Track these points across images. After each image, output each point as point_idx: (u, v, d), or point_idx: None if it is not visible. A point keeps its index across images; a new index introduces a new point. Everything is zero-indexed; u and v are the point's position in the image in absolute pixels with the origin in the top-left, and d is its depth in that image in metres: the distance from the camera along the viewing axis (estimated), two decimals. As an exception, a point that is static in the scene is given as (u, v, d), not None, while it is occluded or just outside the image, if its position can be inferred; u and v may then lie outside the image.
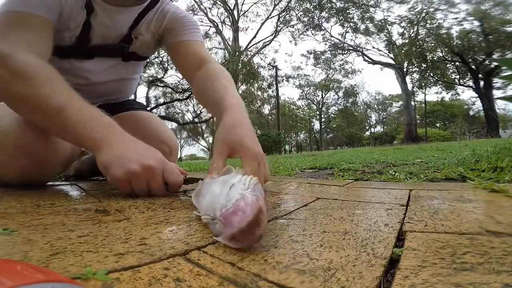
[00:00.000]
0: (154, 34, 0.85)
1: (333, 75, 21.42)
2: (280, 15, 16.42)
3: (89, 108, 0.57)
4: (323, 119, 24.80)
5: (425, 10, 14.09)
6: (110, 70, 0.87)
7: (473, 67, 14.25)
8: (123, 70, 0.90)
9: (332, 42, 17.79)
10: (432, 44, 14.93)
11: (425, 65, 15.73)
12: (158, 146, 0.91)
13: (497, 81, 13.21)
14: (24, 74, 0.54)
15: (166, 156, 0.97)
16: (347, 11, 15.42)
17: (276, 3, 15.93)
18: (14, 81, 0.54)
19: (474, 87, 14.72)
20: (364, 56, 17.58)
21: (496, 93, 13.69)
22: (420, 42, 14.98)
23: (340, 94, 23.62)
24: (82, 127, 0.54)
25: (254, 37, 16.68)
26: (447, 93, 19.13)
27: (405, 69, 15.98)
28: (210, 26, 16.30)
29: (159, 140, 0.93)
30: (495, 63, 13.05)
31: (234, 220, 0.26)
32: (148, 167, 0.52)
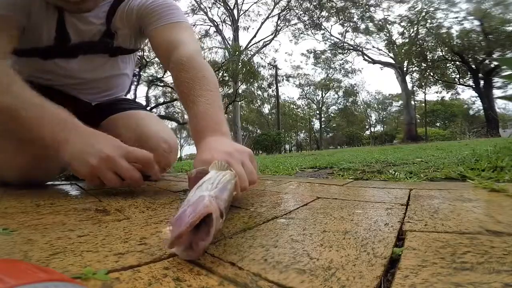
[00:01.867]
0: (130, 27, 0.81)
1: (333, 74, 21.42)
2: (280, 14, 16.40)
3: (43, 103, 0.56)
4: (323, 119, 24.79)
5: (425, 10, 14.08)
6: (99, 68, 0.85)
7: (473, 66, 14.25)
8: (113, 66, 0.88)
9: (332, 42, 17.78)
10: (432, 44, 14.93)
11: (425, 65, 15.72)
12: (158, 145, 0.91)
13: (497, 81, 13.21)
14: None
15: (166, 155, 0.98)
16: (347, 10, 15.40)
17: (276, 2, 15.91)
18: None
19: (474, 86, 14.71)
20: (364, 56, 17.57)
21: (496, 93, 13.69)
22: (420, 41, 14.97)
23: (340, 93, 23.61)
24: (39, 124, 0.54)
25: (254, 36, 16.68)
26: (447, 93, 19.12)
27: (405, 69, 15.97)
28: (210, 26, 16.29)
29: (159, 139, 0.92)
30: (495, 63, 13.04)
31: (173, 231, 0.23)
32: (106, 157, 0.51)
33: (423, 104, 19.77)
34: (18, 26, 0.66)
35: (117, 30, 0.80)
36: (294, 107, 25.53)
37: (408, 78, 16.13)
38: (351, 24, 15.97)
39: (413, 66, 16.24)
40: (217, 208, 0.25)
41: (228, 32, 16.81)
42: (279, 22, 16.63)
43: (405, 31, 15.52)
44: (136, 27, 0.81)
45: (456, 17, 13.57)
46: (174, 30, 0.74)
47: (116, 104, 0.98)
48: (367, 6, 15.13)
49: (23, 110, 0.54)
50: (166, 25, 0.75)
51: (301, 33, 16.69)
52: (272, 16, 16.65)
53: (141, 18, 0.78)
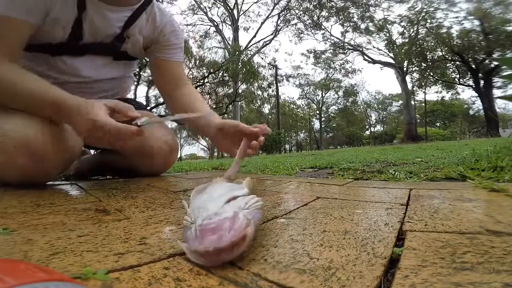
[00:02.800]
0: (145, 40, 0.88)
1: (333, 74, 21.42)
2: (280, 14, 16.40)
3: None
4: (323, 119, 24.80)
5: (425, 10, 14.08)
6: (103, 68, 0.88)
7: (473, 66, 14.25)
8: (115, 69, 0.91)
9: (332, 42, 17.78)
10: (432, 44, 14.93)
11: (425, 65, 15.73)
12: (159, 146, 0.93)
13: (497, 81, 13.21)
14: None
15: (167, 154, 1.00)
16: (347, 10, 15.40)
17: (276, 2, 15.91)
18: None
19: (474, 86, 14.72)
20: (364, 56, 17.57)
21: (496, 92, 13.70)
22: (420, 41, 14.97)
23: (340, 93, 23.63)
24: (46, 90, 0.63)
25: (254, 36, 16.67)
26: (447, 93, 19.13)
27: (405, 69, 15.97)
28: (210, 26, 16.29)
29: (159, 140, 0.94)
30: (495, 63, 13.04)
31: (208, 238, 0.23)
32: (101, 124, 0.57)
33: (423, 104, 19.78)
34: (31, 29, 0.68)
35: (130, 36, 0.84)
36: (294, 107, 25.54)
37: (408, 78, 16.14)
38: (351, 24, 15.98)
39: (413, 66, 16.25)
40: (252, 232, 0.25)
41: (228, 32, 16.82)
42: (279, 22, 16.64)
43: (405, 31, 15.53)
44: (147, 43, 0.89)
45: (456, 17, 13.58)
46: (181, 69, 0.97)
47: None
48: (367, 6, 15.13)
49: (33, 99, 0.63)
50: (177, 62, 0.94)
51: (301, 33, 16.69)
52: (272, 16, 16.65)
53: (158, 40, 0.90)
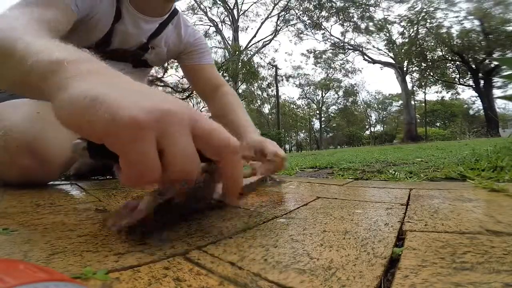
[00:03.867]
0: (170, 51, 0.90)
1: (333, 74, 21.42)
2: (280, 15, 16.40)
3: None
4: (323, 118, 24.80)
5: (425, 10, 14.08)
6: None
7: (473, 66, 14.25)
8: (129, 76, 0.91)
9: (332, 42, 17.78)
10: (432, 43, 14.93)
11: (425, 64, 15.73)
12: None
13: (497, 80, 13.21)
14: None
15: None
16: (347, 10, 15.39)
17: (276, 2, 15.91)
18: None
19: (474, 86, 14.72)
20: (364, 55, 17.57)
21: (496, 92, 13.70)
22: (420, 41, 14.97)
23: (340, 93, 23.63)
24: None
25: (254, 36, 16.68)
26: (447, 92, 19.14)
27: (405, 68, 15.97)
28: (210, 26, 16.30)
29: None
30: (495, 62, 13.04)
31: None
32: (167, 113, 0.24)
33: (423, 104, 19.79)
34: (70, 22, 0.62)
35: (155, 47, 0.86)
36: (294, 107, 25.55)
37: (408, 78, 16.15)
38: (351, 24, 15.98)
39: (413, 66, 16.25)
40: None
41: (227, 32, 16.81)
42: (278, 22, 16.63)
43: (405, 31, 15.53)
44: (175, 53, 0.93)
45: (456, 17, 13.58)
46: (215, 71, 0.98)
47: None
48: (366, 6, 15.13)
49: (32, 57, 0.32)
50: (208, 64, 0.96)
51: (301, 33, 16.68)
52: (271, 16, 16.65)
53: (186, 49, 0.93)
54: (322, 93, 23.58)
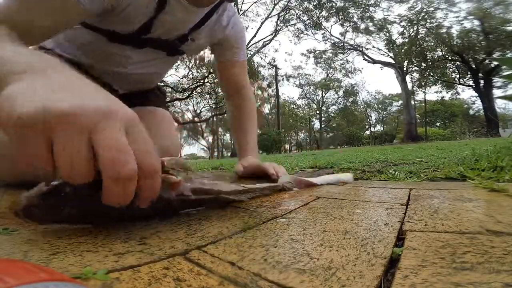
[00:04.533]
0: (206, 41, 0.88)
1: (333, 74, 21.41)
2: (280, 14, 16.40)
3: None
4: (323, 118, 24.81)
5: (424, 9, 14.08)
6: (151, 62, 0.86)
7: (473, 66, 14.25)
8: (162, 64, 0.91)
9: (332, 42, 17.78)
10: (432, 43, 14.94)
11: (425, 64, 15.74)
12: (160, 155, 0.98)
13: (497, 80, 13.22)
14: None
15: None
16: (347, 10, 15.40)
17: (276, 2, 15.91)
18: None
19: (474, 86, 14.73)
20: (364, 55, 17.57)
21: (496, 92, 13.70)
22: (420, 41, 14.98)
23: (340, 93, 23.64)
24: None
25: (254, 36, 16.66)
26: (447, 92, 19.15)
27: (405, 68, 15.97)
28: (210, 25, 16.26)
29: (162, 150, 0.97)
30: (495, 62, 13.04)
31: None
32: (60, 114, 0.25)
33: (423, 104, 19.79)
34: (82, 16, 0.60)
35: (194, 39, 0.83)
36: (294, 107, 25.55)
37: (408, 78, 16.15)
38: (351, 24, 15.98)
39: (413, 66, 16.26)
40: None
41: (228, 32, 16.76)
42: (278, 22, 16.63)
43: (405, 31, 15.53)
44: (212, 43, 0.91)
45: (456, 17, 13.58)
46: (242, 69, 0.97)
47: (138, 94, 1.01)
48: (366, 6, 15.13)
49: None
50: (239, 61, 0.95)
51: (301, 33, 16.68)
52: (271, 16, 16.64)
53: (224, 41, 0.90)
54: (322, 93, 23.59)
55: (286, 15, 16.47)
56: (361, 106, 25.95)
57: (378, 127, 27.33)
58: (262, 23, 16.65)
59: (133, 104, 0.93)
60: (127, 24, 0.70)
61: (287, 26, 16.83)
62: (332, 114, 26.01)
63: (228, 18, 0.86)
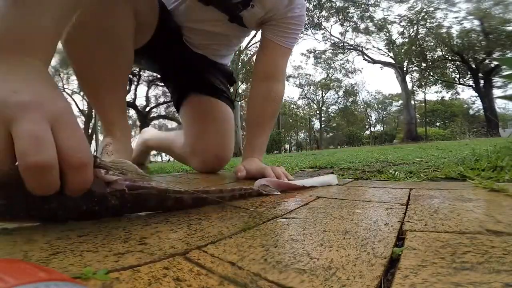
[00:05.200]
0: (267, 14, 0.87)
1: (333, 74, 21.41)
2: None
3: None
4: (323, 118, 24.81)
5: (424, 9, 14.07)
6: (214, 22, 0.90)
7: (473, 66, 14.25)
8: (224, 28, 0.92)
9: (332, 42, 17.78)
10: (432, 43, 14.93)
11: (425, 64, 15.74)
12: (219, 159, 1.07)
13: (497, 80, 13.21)
14: None
15: (211, 167, 1.11)
16: (347, 10, 15.39)
17: (276, 2, 15.89)
18: None
19: (474, 86, 14.73)
20: (364, 55, 17.57)
21: (496, 92, 13.70)
22: (420, 41, 14.97)
23: (340, 93, 23.63)
24: None
25: (254, 36, 16.64)
26: (447, 92, 19.14)
27: (405, 68, 15.97)
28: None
29: (223, 155, 1.06)
30: (495, 62, 13.04)
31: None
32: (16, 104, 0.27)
33: (423, 104, 19.80)
34: None
35: (255, 5, 0.84)
36: (294, 107, 25.54)
37: (408, 77, 16.15)
38: (351, 24, 15.97)
39: (413, 65, 16.26)
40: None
41: (228, 32, 16.75)
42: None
43: (405, 31, 15.53)
44: (268, 19, 0.88)
45: (456, 17, 13.59)
46: (283, 57, 0.90)
47: (212, 76, 1.06)
48: (366, 6, 15.13)
49: None
50: (282, 47, 0.89)
51: (301, 33, 16.68)
52: (272, 16, 16.59)
53: (279, 20, 0.87)
54: (322, 93, 23.58)
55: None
56: (361, 106, 25.96)
57: (378, 127, 27.35)
58: (262, 23, 16.62)
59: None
60: None
61: (287, 26, 16.82)
62: (332, 114, 26.01)
63: (295, 2, 0.86)
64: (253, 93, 0.92)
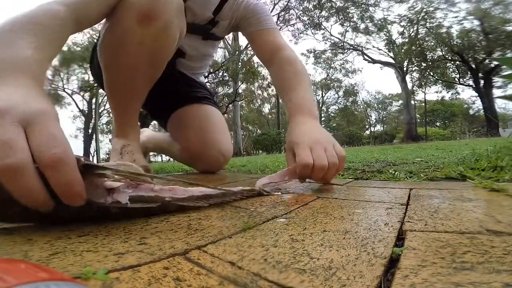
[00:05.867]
0: (230, 21, 0.96)
1: (333, 74, 21.39)
2: (280, 14, 16.38)
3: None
4: (323, 118, 24.80)
5: (424, 9, 14.07)
6: (191, 44, 0.98)
7: (473, 66, 14.25)
8: (201, 47, 1.02)
9: (332, 41, 17.77)
10: (432, 43, 14.93)
11: (425, 64, 15.73)
12: (214, 157, 1.07)
13: (497, 80, 13.21)
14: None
15: (218, 166, 1.14)
16: (347, 10, 15.39)
17: (276, 2, 15.90)
18: None
19: (474, 86, 14.72)
20: (364, 55, 17.56)
21: (496, 92, 13.69)
22: (420, 41, 14.97)
23: (340, 93, 23.62)
24: None
25: (254, 36, 16.63)
26: (447, 92, 19.14)
27: (405, 68, 15.97)
28: (210, 25, 16.24)
29: (218, 150, 1.06)
30: (495, 62, 13.04)
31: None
32: None
33: (423, 104, 19.79)
34: None
35: (220, 20, 0.93)
36: (294, 106, 25.46)
37: (408, 77, 16.14)
38: (351, 23, 15.97)
39: (413, 65, 16.25)
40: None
41: (228, 32, 16.76)
42: (278, 22, 16.60)
43: (405, 30, 15.52)
44: (235, 22, 0.96)
45: (456, 17, 13.59)
46: (274, 34, 0.91)
47: (191, 90, 1.12)
48: (366, 6, 15.12)
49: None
50: (266, 29, 0.91)
51: (301, 33, 16.67)
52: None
53: (245, 15, 0.94)
54: (322, 93, 23.58)
55: (286, 15, 16.45)
56: (361, 106, 25.96)
57: (378, 127, 27.34)
58: (262, 23, 16.60)
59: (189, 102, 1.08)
60: None
61: (287, 26, 16.82)
62: (332, 114, 26.00)
63: None
64: (270, 71, 0.90)
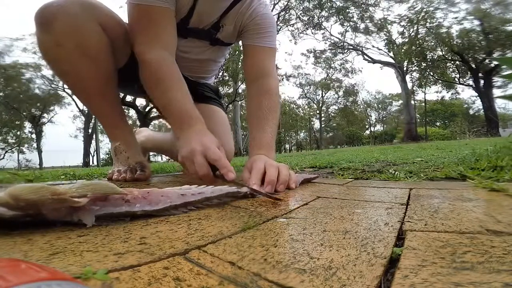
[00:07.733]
0: (236, 27, 0.93)
1: (333, 74, 21.38)
2: (280, 14, 16.38)
3: (182, 105, 0.73)
4: (323, 118, 24.80)
5: (424, 9, 14.07)
6: (198, 50, 0.97)
7: (473, 66, 14.24)
8: (208, 52, 1.00)
9: (332, 41, 17.77)
10: (432, 43, 14.93)
11: (425, 64, 15.73)
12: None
13: (497, 80, 13.21)
14: (159, 79, 0.74)
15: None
16: (347, 10, 15.38)
17: (275, 2, 15.90)
18: (154, 86, 0.75)
19: (474, 86, 14.72)
20: (364, 55, 17.56)
21: (496, 92, 13.69)
22: (420, 41, 14.97)
23: (340, 93, 23.60)
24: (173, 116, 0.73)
25: (254, 36, 16.62)
26: (447, 92, 19.13)
27: (405, 68, 15.96)
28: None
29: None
30: (495, 62, 13.04)
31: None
32: (190, 150, 0.62)
33: (423, 104, 19.79)
34: (172, 15, 0.77)
35: (224, 25, 0.90)
36: (294, 106, 25.51)
37: (408, 77, 16.13)
38: (351, 23, 15.97)
39: (413, 65, 16.25)
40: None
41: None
42: (278, 22, 16.59)
43: (405, 30, 15.52)
44: (240, 28, 0.93)
45: (456, 17, 13.58)
46: (266, 55, 0.91)
47: (196, 90, 1.10)
48: (366, 6, 15.12)
49: (169, 107, 0.73)
50: (262, 48, 0.90)
51: (301, 33, 16.66)
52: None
53: (248, 24, 0.91)
54: (322, 93, 23.57)
55: (286, 15, 16.44)
56: (361, 106, 25.95)
57: (378, 127, 27.36)
58: (262, 22, 16.59)
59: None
60: (177, 8, 0.80)
61: (287, 26, 16.81)
62: (332, 114, 25.99)
63: (255, 4, 0.91)
64: (248, 93, 0.93)
